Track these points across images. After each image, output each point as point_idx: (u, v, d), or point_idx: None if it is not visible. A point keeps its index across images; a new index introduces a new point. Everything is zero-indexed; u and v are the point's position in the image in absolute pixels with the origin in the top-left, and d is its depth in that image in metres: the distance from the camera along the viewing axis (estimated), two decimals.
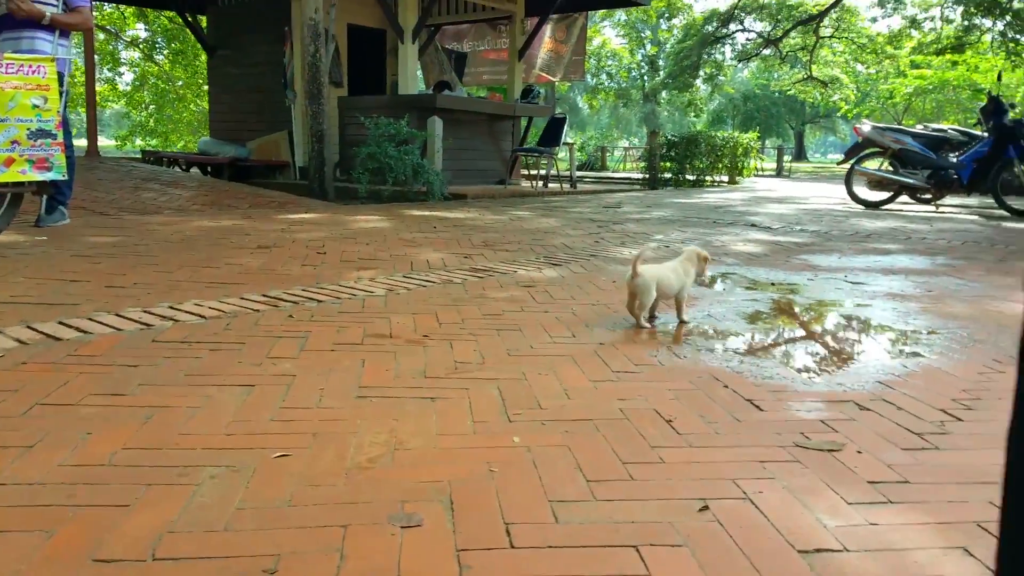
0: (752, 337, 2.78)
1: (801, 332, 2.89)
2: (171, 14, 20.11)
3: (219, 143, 11.92)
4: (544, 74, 13.81)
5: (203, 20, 12.63)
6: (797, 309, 3.28)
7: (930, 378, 2.26)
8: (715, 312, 3.13)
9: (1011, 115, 8.16)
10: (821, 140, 66.76)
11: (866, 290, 3.71)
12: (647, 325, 2.86)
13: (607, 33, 38.26)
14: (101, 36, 25.26)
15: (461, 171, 10.61)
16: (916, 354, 2.55)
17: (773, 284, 3.84)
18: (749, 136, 14.82)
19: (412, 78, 10.70)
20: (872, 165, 9.07)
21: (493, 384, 2.11)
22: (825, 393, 2.11)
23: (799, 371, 2.33)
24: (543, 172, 11.66)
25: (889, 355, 2.55)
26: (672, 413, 1.90)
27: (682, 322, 2.93)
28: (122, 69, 28.25)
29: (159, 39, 26.31)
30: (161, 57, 26.74)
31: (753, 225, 6.65)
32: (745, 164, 14.48)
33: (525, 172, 12.25)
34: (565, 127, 10.75)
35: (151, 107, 27.97)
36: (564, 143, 11.60)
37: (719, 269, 4.29)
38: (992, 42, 25.76)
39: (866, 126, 9.11)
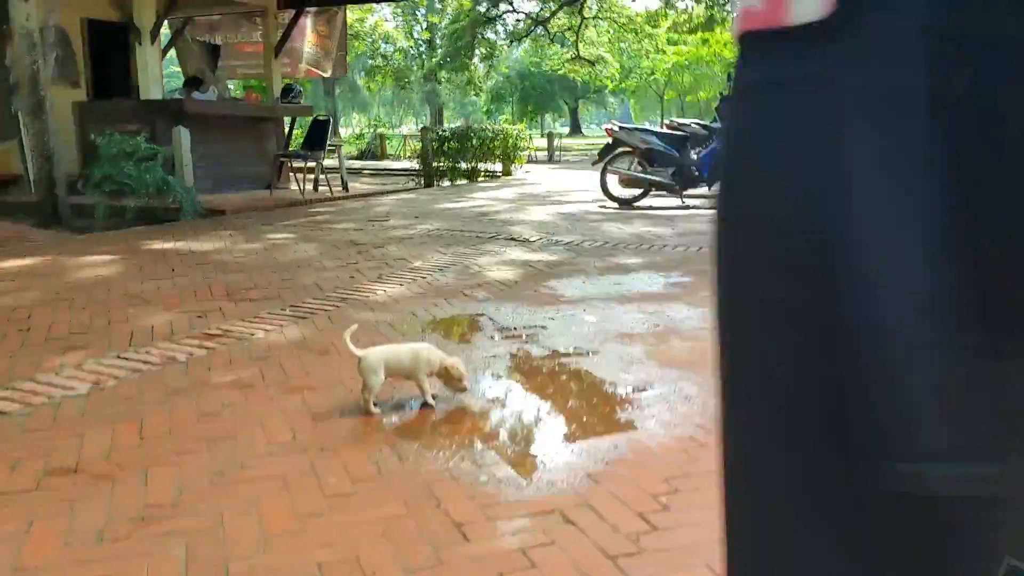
0: (480, 419, 2.77)
1: (528, 403, 2.93)
2: None
3: None
4: (314, 69, 13.24)
5: None
6: (531, 367, 3.34)
7: (636, 465, 2.36)
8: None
9: None
10: (595, 114, 70.54)
11: (600, 329, 3.87)
12: (375, 411, 2.76)
13: (383, 13, 37.54)
14: None
15: (222, 178, 9.91)
16: (629, 426, 2.68)
17: (515, 329, 3.90)
18: (519, 127, 15.24)
19: (155, 81, 9.81)
20: (624, 164, 9.62)
21: (181, 541, 1.91)
22: (534, 501, 2.13)
23: (516, 465, 2.35)
24: (312, 174, 11.20)
25: (603, 431, 2.65)
26: (374, 564, 1.81)
27: (425, 404, 2.84)
28: None
29: None
30: None
31: (513, 239, 6.79)
32: (516, 155, 14.87)
33: (294, 167, 11.68)
34: (329, 129, 10.38)
35: None
36: (332, 145, 11.22)
37: (470, 308, 4.30)
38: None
39: (616, 126, 9.63)
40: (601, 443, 2.53)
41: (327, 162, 11.17)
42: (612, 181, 9.78)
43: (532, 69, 51.96)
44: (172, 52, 12.83)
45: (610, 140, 9.50)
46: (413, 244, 6.52)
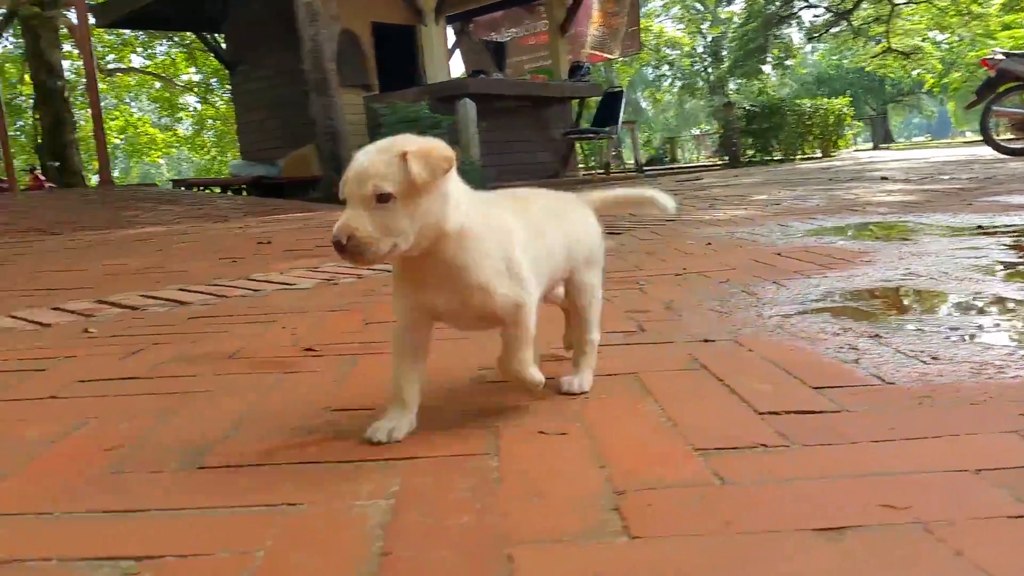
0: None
1: None
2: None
3: (248, 164, 10.85)
4: (598, 52, 12.27)
5: (221, 39, 11.64)
6: None
7: None
8: (921, 269, 1.56)
9: None
10: (905, 122, 62.31)
11: None
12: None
13: (663, 23, 36.44)
14: (157, 85, 25.12)
15: (505, 167, 9.19)
16: None
17: (980, 227, 2.22)
18: (840, 102, 12.86)
19: (441, 65, 9.36)
20: (1015, 102, 7.18)
21: None
22: None
23: None
24: (606, 159, 10.14)
25: None
26: None
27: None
28: (180, 114, 27.84)
29: (212, 80, 25.45)
30: (218, 101, 25.90)
31: (884, 178, 4.96)
32: (839, 135, 12.54)
33: (583, 166, 10.73)
34: (623, 102, 9.20)
35: (213, 149, 27.74)
36: (624, 123, 10.05)
37: (871, 219, 2.69)
38: None
39: (998, 55, 7.22)
40: None
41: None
42: (997, 127, 7.40)
43: (831, 72, 47.23)
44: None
45: (992, 74, 7.13)
46: (741, 188, 4.98)
